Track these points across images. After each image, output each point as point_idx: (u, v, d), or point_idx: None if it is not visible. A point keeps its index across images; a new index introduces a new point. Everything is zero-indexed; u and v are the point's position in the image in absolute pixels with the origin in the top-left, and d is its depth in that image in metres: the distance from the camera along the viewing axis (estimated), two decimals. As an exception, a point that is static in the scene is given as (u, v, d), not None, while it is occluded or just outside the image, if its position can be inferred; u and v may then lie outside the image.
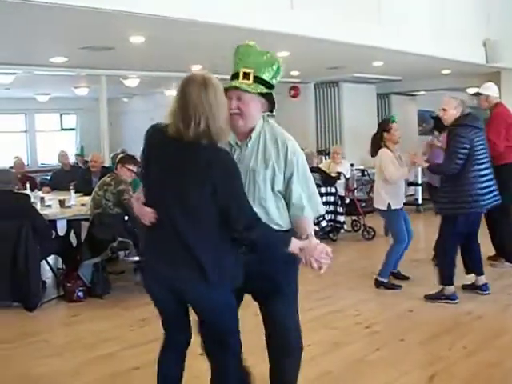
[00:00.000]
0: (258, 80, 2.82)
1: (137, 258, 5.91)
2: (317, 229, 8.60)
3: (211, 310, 2.79)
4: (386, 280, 6.15)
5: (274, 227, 2.85)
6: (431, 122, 10.18)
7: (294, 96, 13.37)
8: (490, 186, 5.46)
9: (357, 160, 10.88)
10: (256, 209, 2.77)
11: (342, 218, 8.76)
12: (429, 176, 7.09)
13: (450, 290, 5.57)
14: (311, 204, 2.94)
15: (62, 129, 17.51)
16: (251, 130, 2.88)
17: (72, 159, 11.57)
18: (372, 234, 8.90)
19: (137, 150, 4.46)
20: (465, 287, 5.89)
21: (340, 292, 6.15)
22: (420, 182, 11.21)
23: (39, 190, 8.50)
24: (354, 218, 9.43)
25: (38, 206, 6.71)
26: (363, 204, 9.27)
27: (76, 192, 7.36)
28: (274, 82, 2.89)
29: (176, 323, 2.97)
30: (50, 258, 6.73)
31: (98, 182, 6.49)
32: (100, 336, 4.97)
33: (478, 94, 6.90)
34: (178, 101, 2.64)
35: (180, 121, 2.60)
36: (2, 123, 16.09)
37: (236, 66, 2.88)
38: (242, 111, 2.82)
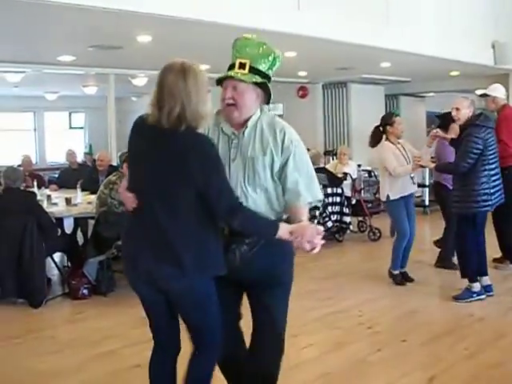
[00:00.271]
0: (253, 70, 2.82)
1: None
2: (322, 229, 8.56)
3: (192, 303, 2.78)
4: (395, 272, 6.23)
5: (274, 214, 2.86)
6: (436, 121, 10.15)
7: (303, 96, 13.38)
8: (498, 185, 5.52)
9: (364, 161, 10.86)
10: (258, 196, 2.79)
11: (348, 219, 8.76)
12: (436, 175, 7.06)
13: (476, 286, 5.60)
14: (309, 190, 2.91)
15: (71, 127, 17.57)
16: (247, 120, 2.88)
17: (80, 158, 11.62)
18: (378, 235, 8.89)
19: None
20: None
21: (344, 292, 6.15)
22: (427, 183, 11.19)
23: (46, 187, 8.55)
24: (361, 218, 9.43)
25: (45, 204, 6.76)
26: (370, 205, 9.27)
27: (83, 190, 7.40)
28: (270, 73, 2.89)
29: (165, 327, 2.95)
30: (56, 256, 6.77)
31: (104, 181, 6.53)
32: (103, 333, 5.00)
33: (484, 96, 6.88)
34: (156, 89, 2.67)
35: (157, 108, 2.63)
36: (11, 121, 16.20)
37: (233, 57, 2.87)
38: (237, 101, 2.82)
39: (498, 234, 6.81)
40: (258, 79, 2.82)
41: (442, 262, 6.86)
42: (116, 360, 4.41)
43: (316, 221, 8.43)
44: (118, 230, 6.07)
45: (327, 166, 9.50)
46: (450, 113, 5.74)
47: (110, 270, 6.28)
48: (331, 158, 11.69)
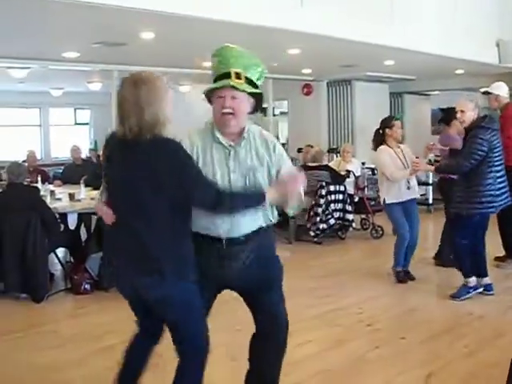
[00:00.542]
0: (247, 80, 2.90)
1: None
2: (325, 227, 8.64)
3: (173, 310, 2.87)
4: (398, 269, 6.26)
5: (267, 220, 3.02)
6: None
7: (307, 94, 13.41)
8: (504, 187, 5.50)
9: (368, 159, 10.83)
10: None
11: (350, 217, 8.77)
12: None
13: (472, 281, 5.61)
14: None
15: (76, 123, 17.63)
16: (242, 130, 2.96)
17: (86, 154, 11.66)
18: (380, 232, 8.91)
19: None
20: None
21: (345, 290, 6.18)
22: (431, 181, 11.18)
23: (51, 183, 8.59)
24: (363, 216, 9.44)
25: (48, 200, 6.79)
26: (372, 202, 9.27)
27: (86, 186, 7.43)
28: (259, 83, 2.98)
29: (150, 323, 3.09)
30: (59, 251, 6.80)
31: (107, 177, 6.55)
32: (105, 328, 5.04)
33: (487, 93, 6.87)
34: (117, 105, 2.77)
35: (119, 121, 2.73)
36: (16, 117, 16.27)
37: (221, 66, 2.92)
38: (235, 110, 2.88)
39: (502, 233, 6.81)
40: (253, 90, 2.91)
41: (441, 260, 6.88)
42: (117, 354, 4.39)
43: (319, 218, 8.46)
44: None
45: (330, 164, 9.51)
46: (454, 108, 5.72)
47: (112, 265, 6.29)
48: (335, 156, 11.71)
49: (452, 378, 3.98)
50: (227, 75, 2.88)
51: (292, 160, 12.42)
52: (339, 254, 8.10)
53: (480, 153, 5.30)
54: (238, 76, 2.87)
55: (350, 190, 9.01)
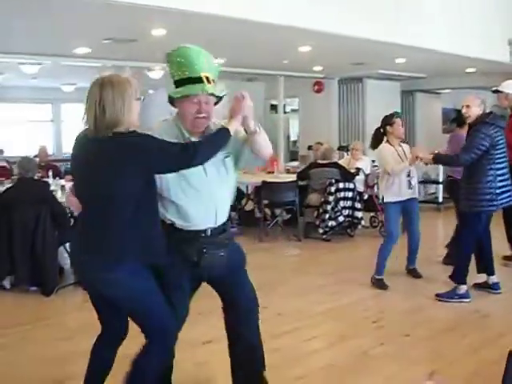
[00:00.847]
0: (214, 82, 3.04)
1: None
2: (334, 224, 8.66)
3: (124, 294, 2.93)
4: (377, 277, 6.16)
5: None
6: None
7: (318, 91, 13.42)
8: (506, 186, 5.46)
9: (378, 156, 10.87)
10: (228, 188, 3.21)
11: (359, 214, 8.78)
12: (450, 171, 7.04)
13: (463, 288, 5.58)
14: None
15: (88, 119, 17.69)
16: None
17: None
18: (389, 230, 8.90)
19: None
20: (476, 285, 5.90)
21: (352, 287, 6.18)
22: (441, 180, 11.17)
23: (62, 178, 8.65)
24: (372, 214, 9.44)
25: (59, 194, 6.85)
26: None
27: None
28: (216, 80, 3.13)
29: (111, 319, 3.17)
30: (69, 245, 6.86)
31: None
32: (112, 321, 5.09)
33: (497, 92, 6.85)
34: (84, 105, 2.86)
35: (85, 121, 2.84)
36: (29, 112, 16.40)
37: (184, 69, 3.01)
38: (209, 114, 3.05)
39: (508, 232, 6.80)
40: (222, 93, 3.09)
41: (451, 259, 6.86)
42: (123, 346, 4.47)
43: (328, 215, 8.49)
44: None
45: (340, 162, 9.52)
46: None
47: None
48: (345, 154, 11.71)
49: (454, 375, 3.99)
50: (198, 80, 2.98)
51: (302, 158, 12.41)
52: (348, 252, 8.12)
53: (481, 147, 5.26)
54: (208, 80, 2.99)
55: (360, 187, 9.02)
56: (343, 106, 13.45)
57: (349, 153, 10.48)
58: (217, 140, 2.95)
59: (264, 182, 8.72)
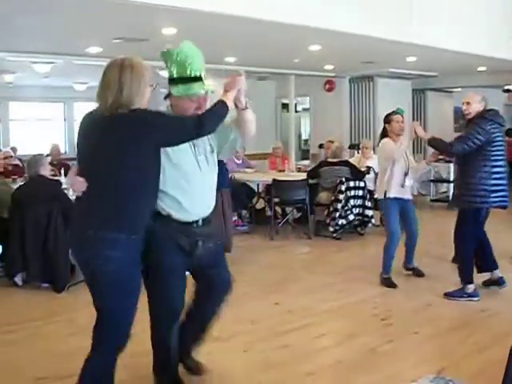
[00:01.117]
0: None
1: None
2: (344, 222, 8.67)
3: (114, 279, 3.06)
4: (385, 276, 6.18)
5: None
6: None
7: (329, 90, 13.43)
8: (499, 185, 5.37)
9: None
10: (214, 169, 3.41)
11: (370, 213, 8.79)
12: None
13: (471, 287, 5.57)
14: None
15: (100, 118, 17.81)
16: None
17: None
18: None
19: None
20: (485, 283, 5.89)
21: (361, 285, 6.19)
22: (452, 178, 11.14)
23: (73, 176, 8.71)
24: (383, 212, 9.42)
25: (71, 192, 6.90)
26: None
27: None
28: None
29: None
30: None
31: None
32: (122, 318, 5.13)
33: (508, 91, 6.84)
34: (99, 83, 2.99)
35: (99, 99, 2.96)
36: (42, 111, 16.54)
37: (187, 68, 3.20)
38: (204, 109, 3.22)
39: None
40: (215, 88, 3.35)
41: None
42: (133, 342, 4.47)
43: (338, 214, 8.50)
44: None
45: (351, 160, 9.53)
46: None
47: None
48: (356, 152, 11.71)
49: (461, 373, 3.98)
50: (198, 78, 3.20)
51: (313, 156, 12.43)
52: (358, 250, 8.13)
53: (475, 140, 5.21)
54: (205, 78, 3.22)
55: (370, 185, 9.01)
56: (354, 105, 13.45)
57: (359, 151, 10.50)
58: (217, 111, 3.11)
59: (275, 181, 8.75)
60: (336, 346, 4.59)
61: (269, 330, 4.86)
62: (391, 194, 6.09)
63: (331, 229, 8.60)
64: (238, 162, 9.96)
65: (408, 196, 6.27)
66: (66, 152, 14.82)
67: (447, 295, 5.63)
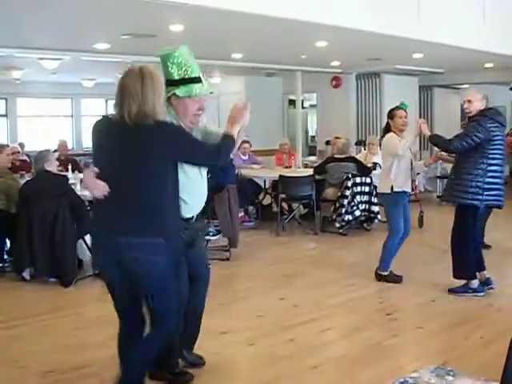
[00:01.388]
0: None
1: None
2: (351, 218, 8.69)
3: (158, 277, 3.15)
4: (386, 273, 6.15)
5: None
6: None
7: (336, 86, 13.44)
8: (494, 184, 5.34)
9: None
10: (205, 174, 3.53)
11: (376, 208, 8.79)
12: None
13: (475, 283, 5.58)
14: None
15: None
16: None
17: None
18: (406, 225, 8.90)
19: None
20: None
21: (367, 280, 6.20)
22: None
23: (80, 172, 8.76)
24: (389, 208, 9.43)
25: (78, 187, 6.94)
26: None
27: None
28: None
29: (128, 306, 3.31)
30: (88, 238, 6.96)
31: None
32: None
33: (513, 89, 6.82)
34: (117, 91, 3.02)
35: (120, 108, 2.98)
36: (50, 107, 16.64)
37: (188, 70, 3.26)
38: (204, 110, 3.37)
39: None
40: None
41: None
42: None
43: (344, 210, 8.52)
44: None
45: (357, 156, 9.54)
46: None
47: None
48: (363, 148, 11.72)
49: (465, 367, 3.97)
50: (198, 79, 3.28)
51: (320, 152, 12.42)
52: (364, 246, 8.15)
53: (474, 138, 5.20)
54: (204, 79, 3.31)
55: (376, 182, 9.00)
56: (361, 101, 13.45)
57: (366, 147, 10.50)
58: (230, 146, 3.28)
59: (281, 177, 8.77)
60: (341, 339, 4.63)
61: (274, 324, 4.89)
62: (399, 189, 6.02)
63: (337, 225, 8.62)
64: (244, 158, 10.00)
65: (409, 189, 6.24)
66: (73, 148, 14.91)
67: (451, 291, 5.64)
